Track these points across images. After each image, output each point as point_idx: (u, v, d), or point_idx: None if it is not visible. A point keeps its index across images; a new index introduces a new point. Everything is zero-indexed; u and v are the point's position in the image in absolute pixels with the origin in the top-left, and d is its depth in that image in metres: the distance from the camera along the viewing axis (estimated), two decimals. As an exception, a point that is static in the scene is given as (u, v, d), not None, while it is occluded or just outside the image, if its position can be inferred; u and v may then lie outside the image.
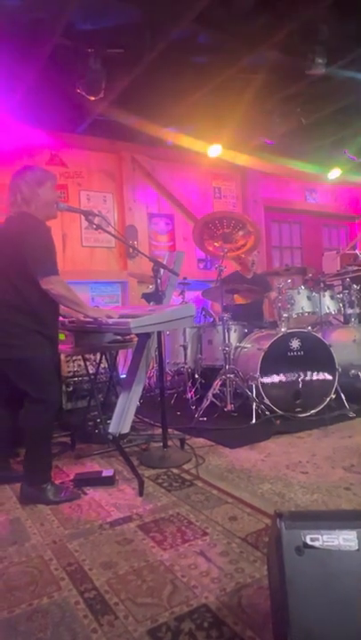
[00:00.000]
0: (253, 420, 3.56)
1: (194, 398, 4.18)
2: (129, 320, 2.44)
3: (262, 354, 3.66)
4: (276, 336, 3.74)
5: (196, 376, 4.39)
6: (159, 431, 3.06)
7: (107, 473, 2.66)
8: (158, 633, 1.43)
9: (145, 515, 2.22)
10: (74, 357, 3.85)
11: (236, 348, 4.13)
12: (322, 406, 3.73)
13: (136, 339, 3.01)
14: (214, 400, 3.81)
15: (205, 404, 3.75)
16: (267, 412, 3.61)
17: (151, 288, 3.04)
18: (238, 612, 1.50)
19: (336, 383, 3.79)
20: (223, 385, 3.83)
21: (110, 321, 2.52)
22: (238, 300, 4.39)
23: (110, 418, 2.88)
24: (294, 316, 4.08)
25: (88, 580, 1.72)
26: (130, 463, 2.67)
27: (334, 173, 6.62)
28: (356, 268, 4.62)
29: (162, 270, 3.00)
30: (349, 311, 4.36)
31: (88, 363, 3.64)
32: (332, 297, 4.29)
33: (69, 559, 1.87)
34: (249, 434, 3.36)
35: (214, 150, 5.49)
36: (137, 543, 1.96)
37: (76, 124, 4.99)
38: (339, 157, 6.20)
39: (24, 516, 2.27)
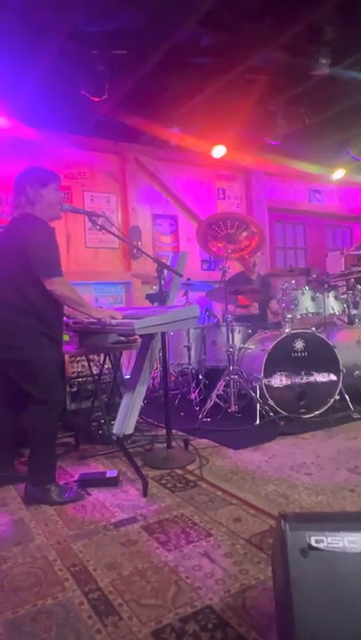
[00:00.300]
0: (257, 421, 3.56)
1: (198, 399, 4.17)
2: (133, 321, 2.44)
3: (266, 355, 3.65)
4: (280, 337, 3.74)
5: (200, 377, 4.39)
6: (163, 432, 3.06)
7: (111, 474, 2.65)
8: (162, 634, 1.43)
9: (149, 516, 2.22)
10: (78, 358, 3.86)
11: (240, 348, 4.12)
12: (326, 407, 3.72)
13: (140, 340, 3.01)
14: (218, 401, 3.81)
15: (209, 404, 3.75)
16: (271, 414, 3.60)
17: (155, 289, 3.05)
18: (243, 613, 1.50)
19: (340, 384, 3.78)
20: (227, 386, 3.82)
21: (114, 322, 2.52)
22: (243, 301, 4.39)
23: (114, 418, 2.87)
24: (298, 316, 4.07)
25: (92, 581, 1.72)
26: (134, 464, 2.67)
27: (338, 174, 6.61)
28: (360, 268, 4.60)
29: (166, 271, 3.00)
30: (354, 312, 4.36)
31: (92, 363, 3.64)
32: (336, 298, 4.28)
33: (73, 560, 1.87)
34: (253, 435, 3.35)
35: (218, 151, 5.49)
36: (141, 544, 1.96)
37: (80, 125, 5.00)
38: (343, 158, 6.19)
39: (28, 517, 2.28)
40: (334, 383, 3.78)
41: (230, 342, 3.88)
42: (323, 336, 3.87)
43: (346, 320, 4.60)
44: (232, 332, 3.94)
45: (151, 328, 2.51)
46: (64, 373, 3.76)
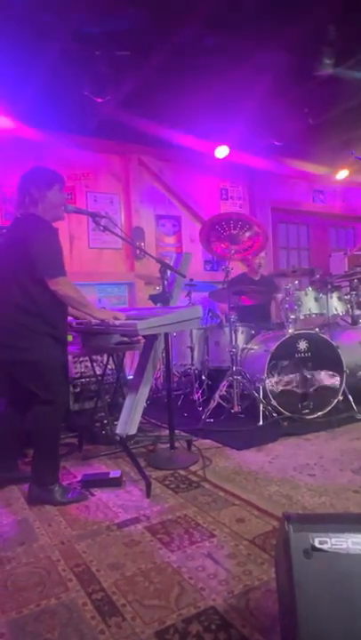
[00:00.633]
0: (260, 422, 3.55)
1: (201, 400, 4.17)
2: (136, 322, 2.44)
3: (269, 355, 3.65)
4: (283, 337, 3.73)
5: (203, 377, 4.39)
6: (166, 432, 3.06)
7: (114, 474, 2.66)
8: (166, 635, 1.43)
9: (152, 516, 2.22)
10: (81, 359, 3.86)
11: (243, 349, 4.12)
12: (329, 408, 3.72)
13: (143, 340, 3.02)
14: (221, 401, 3.81)
15: (212, 405, 3.75)
16: (274, 414, 3.60)
17: (158, 289, 3.05)
18: (246, 614, 1.50)
19: (344, 385, 3.78)
20: (230, 386, 3.82)
21: (117, 322, 2.53)
22: (246, 301, 4.38)
23: (117, 419, 2.88)
24: (302, 317, 4.06)
25: (95, 582, 1.72)
26: (137, 464, 2.67)
27: (342, 174, 6.60)
28: (363, 269, 4.58)
29: (169, 272, 3.00)
30: (357, 312, 4.35)
31: (95, 364, 3.65)
32: (339, 298, 4.27)
33: (77, 560, 1.88)
34: (256, 435, 3.35)
35: (221, 151, 5.48)
36: (144, 545, 1.96)
37: (83, 126, 5.00)
38: (347, 158, 6.16)
39: (32, 517, 2.28)
40: (338, 384, 3.78)
41: (233, 343, 3.87)
42: (326, 337, 3.87)
43: (349, 321, 4.59)
44: (235, 333, 3.94)
45: (154, 329, 2.52)
46: (67, 374, 3.77)
